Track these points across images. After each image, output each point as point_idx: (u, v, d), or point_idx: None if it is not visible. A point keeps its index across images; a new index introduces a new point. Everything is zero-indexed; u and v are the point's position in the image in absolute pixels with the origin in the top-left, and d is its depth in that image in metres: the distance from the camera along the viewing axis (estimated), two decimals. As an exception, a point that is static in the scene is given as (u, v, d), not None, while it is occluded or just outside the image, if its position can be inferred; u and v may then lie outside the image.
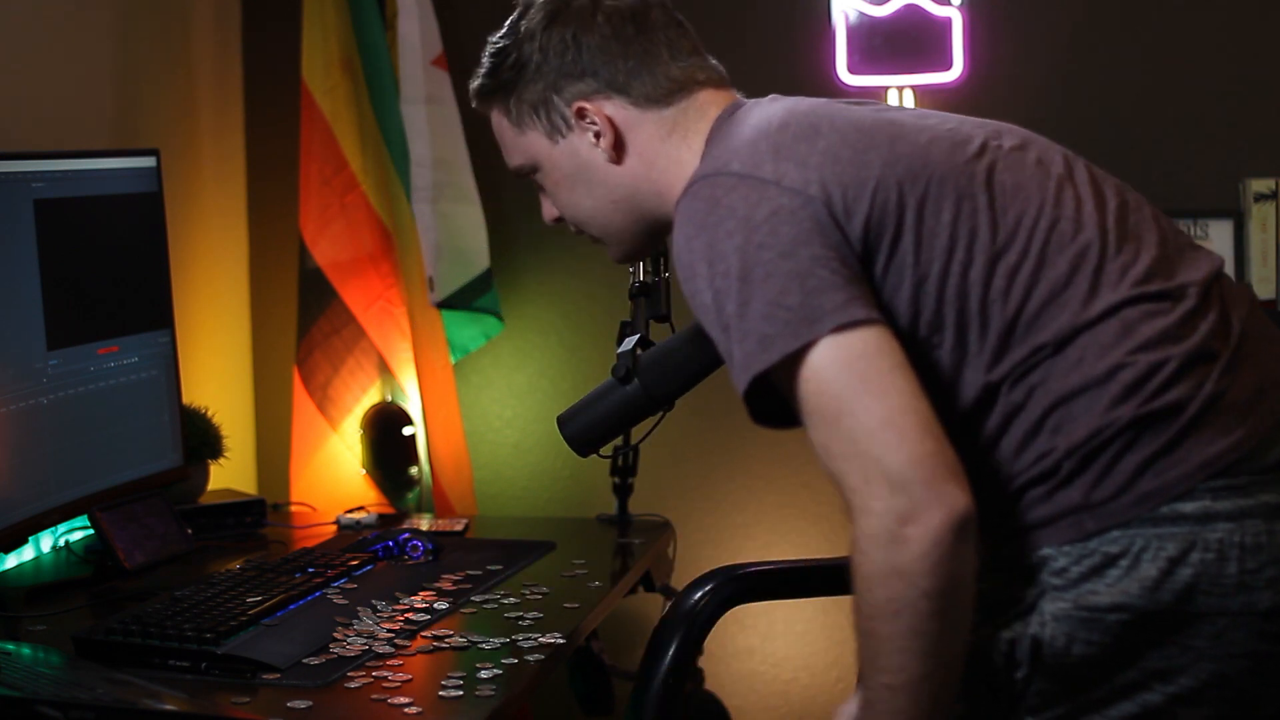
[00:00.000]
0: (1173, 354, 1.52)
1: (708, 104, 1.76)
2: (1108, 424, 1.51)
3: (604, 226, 1.82)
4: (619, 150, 1.75)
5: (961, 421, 1.56)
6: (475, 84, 1.84)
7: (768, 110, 1.68)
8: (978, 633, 1.53)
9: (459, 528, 2.66)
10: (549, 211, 1.86)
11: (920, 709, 1.49)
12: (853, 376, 1.47)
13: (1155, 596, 1.49)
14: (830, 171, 1.56)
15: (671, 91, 1.75)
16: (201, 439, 2.74)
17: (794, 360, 1.50)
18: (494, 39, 1.82)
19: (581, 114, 1.75)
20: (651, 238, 1.83)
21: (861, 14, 3.20)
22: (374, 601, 2.15)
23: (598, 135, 1.76)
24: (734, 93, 1.80)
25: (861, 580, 1.48)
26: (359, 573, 2.31)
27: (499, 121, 1.82)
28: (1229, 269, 3.10)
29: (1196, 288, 1.58)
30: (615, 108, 1.75)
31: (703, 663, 2.87)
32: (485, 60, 1.82)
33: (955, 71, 3.18)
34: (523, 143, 1.81)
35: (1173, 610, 1.49)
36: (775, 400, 1.58)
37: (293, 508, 2.98)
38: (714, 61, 1.81)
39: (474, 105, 1.86)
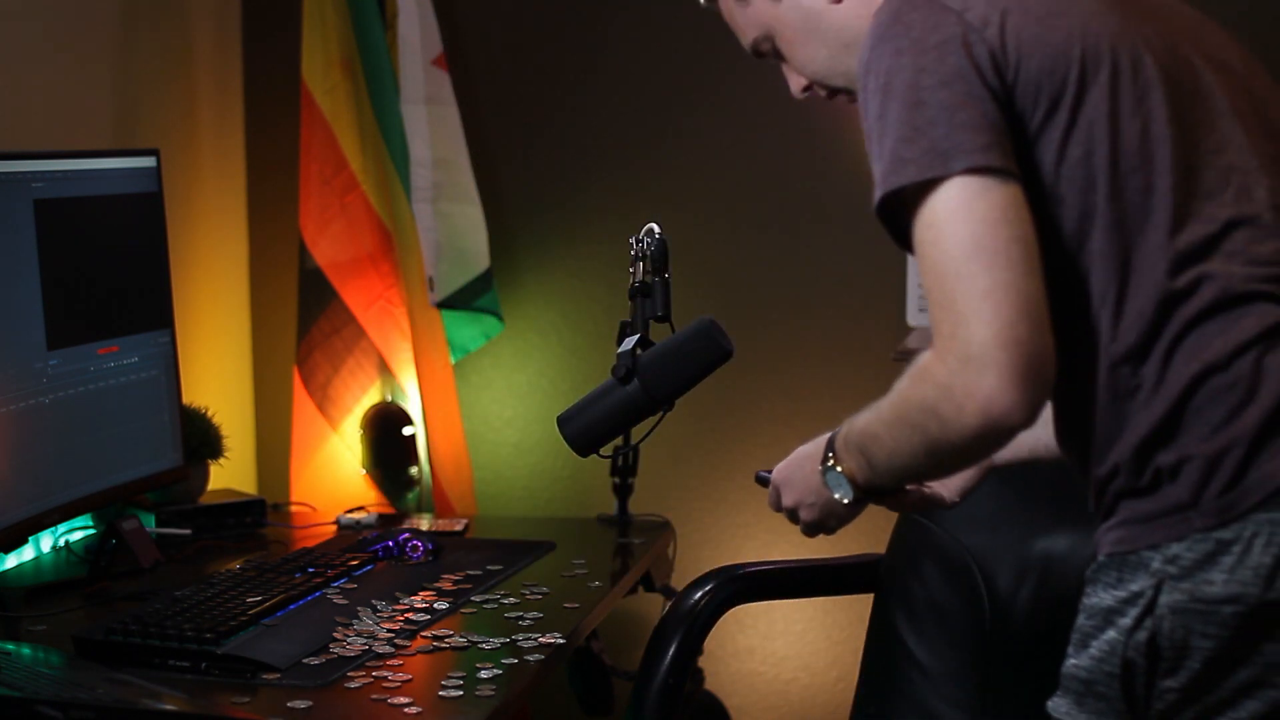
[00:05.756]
0: None
1: None
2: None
3: (845, 73, 1.78)
4: None
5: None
6: None
7: None
8: (1099, 639, 1.51)
9: (459, 528, 2.66)
10: (796, 83, 1.84)
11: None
12: (968, 237, 1.46)
13: (1272, 585, 1.43)
14: (1014, 20, 1.54)
15: None
16: (201, 439, 2.74)
17: (919, 193, 1.49)
18: None
19: None
20: None
21: (861, 14, 3.20)
22: (374, 601, 2.15)
23: None
24: None
25: (899, 396, 1.53)
26: (359, 573, 2.31)
27: (726, 5, 1.83)
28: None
29: None
30: None
31: (703, 663, 2.87)
32: None
33: (955, 71, 3.18)
34: (750, 14, 1.81)
35: None
36: None
37: (293, 508, 2.98)
38: None
39: (703, 3, 1.87)
